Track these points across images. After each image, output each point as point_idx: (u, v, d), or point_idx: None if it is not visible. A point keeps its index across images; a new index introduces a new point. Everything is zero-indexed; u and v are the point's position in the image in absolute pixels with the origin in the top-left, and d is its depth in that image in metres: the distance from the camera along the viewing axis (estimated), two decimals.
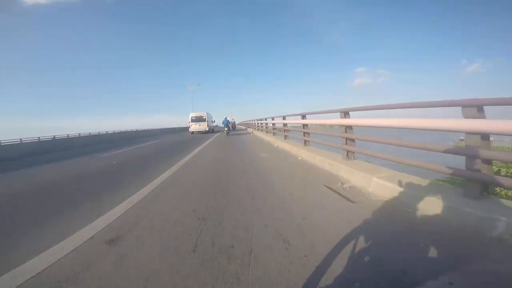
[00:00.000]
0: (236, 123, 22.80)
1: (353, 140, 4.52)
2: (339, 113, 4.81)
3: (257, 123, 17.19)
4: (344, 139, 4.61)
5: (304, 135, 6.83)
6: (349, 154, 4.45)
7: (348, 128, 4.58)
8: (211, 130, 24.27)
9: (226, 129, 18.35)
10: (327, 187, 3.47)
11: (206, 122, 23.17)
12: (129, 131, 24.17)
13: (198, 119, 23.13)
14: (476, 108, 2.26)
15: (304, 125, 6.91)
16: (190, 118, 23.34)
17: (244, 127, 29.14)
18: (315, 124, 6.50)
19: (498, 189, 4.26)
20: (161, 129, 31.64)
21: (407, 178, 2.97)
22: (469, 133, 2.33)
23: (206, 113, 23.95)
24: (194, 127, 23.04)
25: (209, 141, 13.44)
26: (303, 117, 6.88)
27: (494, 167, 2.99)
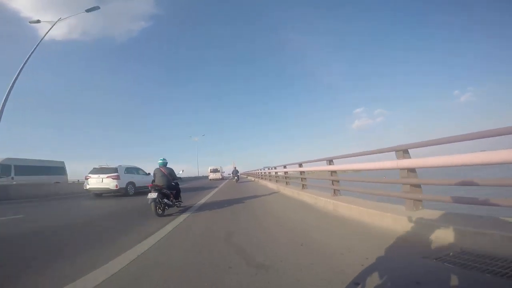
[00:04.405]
0: (239, 173, 24.57)
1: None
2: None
3: (261, 173, 18.29)
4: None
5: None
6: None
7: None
8: (222, 178, 33.23)
9: (236, 177, 22.71)
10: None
11: (219, 173, 33.78)
12: None
13: (215, 171, 33.52)
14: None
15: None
16: (209, 170, 34.24)
17: (246, 177, 31.95)
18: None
19: None
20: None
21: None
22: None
23: (220, 166, 35.40)
24: (212, 176, 32.81)
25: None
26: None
27: None
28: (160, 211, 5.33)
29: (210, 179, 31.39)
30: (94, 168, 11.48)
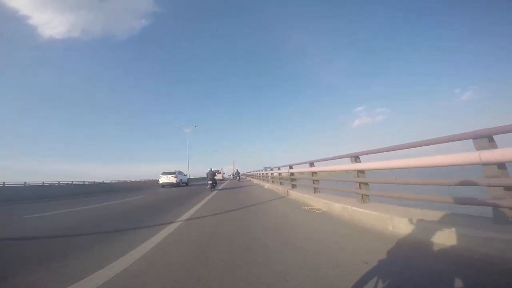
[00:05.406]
0: (240, 174, 28.90)
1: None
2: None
3: (263, 174, 17.12)
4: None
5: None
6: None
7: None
8: (223, 179, 38.54)
9: (237, 177, 27.49)
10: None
11: (221, 174, 38.61)
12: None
13: (216, 172, 32.95)
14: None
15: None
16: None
17: (245, 177, 33.79)
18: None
19: None
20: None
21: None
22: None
23: (221, 168, 41.84)
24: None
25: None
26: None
27: None
28: (211, 190, 12.52)
29: None
30: (163, 172, 20.93)
